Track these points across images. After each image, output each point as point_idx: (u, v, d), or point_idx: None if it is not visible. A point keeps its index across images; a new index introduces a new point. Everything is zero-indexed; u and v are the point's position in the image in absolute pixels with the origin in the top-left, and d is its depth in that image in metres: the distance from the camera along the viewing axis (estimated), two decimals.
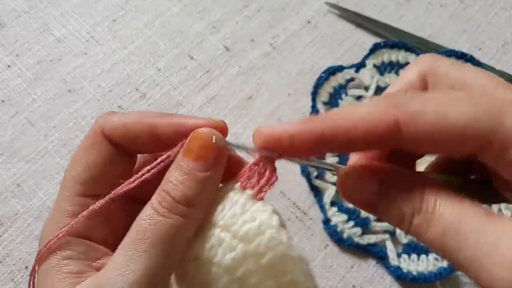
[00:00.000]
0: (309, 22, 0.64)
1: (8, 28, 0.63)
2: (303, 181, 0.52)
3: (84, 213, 0.26)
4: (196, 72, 0.60)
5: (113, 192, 0.26)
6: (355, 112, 0.22)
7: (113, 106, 0.57)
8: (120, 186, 0.26)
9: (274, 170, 0.27)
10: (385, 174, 0.23)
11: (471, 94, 0.21)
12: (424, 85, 0.26)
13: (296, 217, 0.50)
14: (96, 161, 0.27)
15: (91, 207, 0.26)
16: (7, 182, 0.52)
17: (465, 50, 0.59)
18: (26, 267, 0.48)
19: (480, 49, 0.61)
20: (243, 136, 0.55)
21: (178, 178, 0.24)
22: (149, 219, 0.24)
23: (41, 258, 0.26)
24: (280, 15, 0.64)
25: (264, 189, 0.26)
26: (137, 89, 0.59)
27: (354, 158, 0.28)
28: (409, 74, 0.26)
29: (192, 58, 0.61)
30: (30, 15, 0.64)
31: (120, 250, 0.24)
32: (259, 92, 0.58)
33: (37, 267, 0.26)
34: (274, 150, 0.24)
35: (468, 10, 0.64)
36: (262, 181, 0.26)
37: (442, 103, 0.20)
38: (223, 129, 0.26)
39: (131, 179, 0.26)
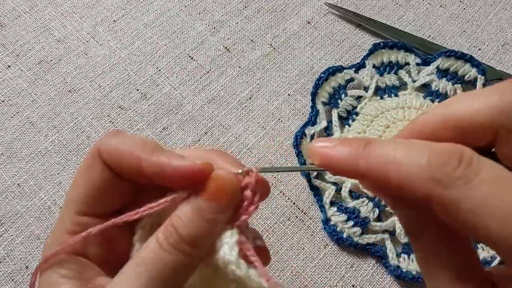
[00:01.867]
0: (308, 22, 0.64)
1: (8, 28, 0.63)
2: (303, 181, 0.52)
3: (83, 233, 0.26)
4: (197, 73, 0.60)
5: (112, 221, 0.26)
6: (399, 167, 0.21)
7: (114, 106, 0.57)
8: (120, 217, 0.26)
9: (257, 200, 0.26)
10: None
11: None
12: (492, 135, 0.22)
13: (296, 217, 0.51)
14: (95, 182, 0.27)
15: (89, 230, 0.26)
16: (7, 182, 0.53)
17: (465, 50, 0.60)
18: (27, 267, 0.48)
19: (480, 49, 0.61)
20: (243, 137, 0.55)
21: (188, 216, 0.24)
22: (153, 252, 0.24)
23: (37, 271, 0.27)
24: (280, 16, 0.64)
25: (241, 218, 0.26)
26: (137, 90, 0.59)
27: None
28: (481, 113, 0.22)
29: (192, 58, 0.61)
30: (30, 15, 0.65)
31: (119, 278, 0.24)
32: (259, 92, 0.58)
33: (37, 282, 0.27)
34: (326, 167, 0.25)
35: (468, 10, 0.65)
36: (241, 209, 0.26)
37: (486, 198, 0.19)
38: (208, 173, 0.25)
39: (133, 212, 0.26)
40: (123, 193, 0.29)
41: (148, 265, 0.23)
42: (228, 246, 0.25)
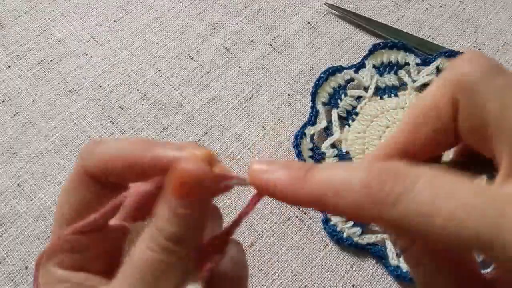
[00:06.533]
0: (308, 23, 0.64)
1: (8, 28, 0.63)
2: None
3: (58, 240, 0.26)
4: (197, 73, 0.60)
5: (92, 217, 0.25)
6: (343, 193, 0.20)
7: (114, 106, 0.57)
8: (102, 210, 0.25)
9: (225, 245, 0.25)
10: None
11: (475, 195, 0.19)
12: (454, 110, 0.23)
13: (296, 217, 0.51)
14: (82, 200, 0.27)
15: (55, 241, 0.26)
16: (7, 182, 0.53)
17: (464, 50, 0.60)
18: (26, 267, 0.48)
19: (479, 49, 0.61)
20: (243, 137, 0.55)
21: (165, 215, 0.24)
22: (143, 254, 0.24)
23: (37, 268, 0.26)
24: (280, 16, 0.64)
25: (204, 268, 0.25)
26: (137, 90, 0.59)
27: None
28: (439, 94, 0.23)
29: (192, 58, 0.61)
30: (30, 15, 0.65)
31: (114, 285, 0.24)
32: (259, 92, 0.59)
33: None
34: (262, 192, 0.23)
35: (468, 10, 0.65)
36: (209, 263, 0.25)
37: (432, 202, 0.19)
38: (211, 160, 0.24)
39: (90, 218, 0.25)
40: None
41: (139, 267, 0.23)
42: None
